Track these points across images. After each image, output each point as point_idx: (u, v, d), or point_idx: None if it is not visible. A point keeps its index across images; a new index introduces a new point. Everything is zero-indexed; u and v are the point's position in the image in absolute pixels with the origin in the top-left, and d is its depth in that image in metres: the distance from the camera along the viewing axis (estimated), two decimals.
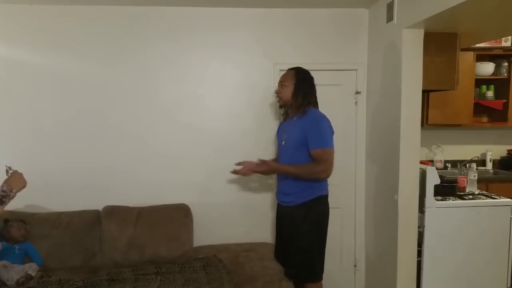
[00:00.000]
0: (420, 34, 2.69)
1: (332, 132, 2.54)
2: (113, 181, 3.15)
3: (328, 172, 2.48)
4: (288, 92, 2.60)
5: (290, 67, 3.17)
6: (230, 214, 3.27)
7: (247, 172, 2.71)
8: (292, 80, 2.61)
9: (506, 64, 4.04)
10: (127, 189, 3.15)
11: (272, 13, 3.17)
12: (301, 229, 2.52)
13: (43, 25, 3.02)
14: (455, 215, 2.90)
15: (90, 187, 3.13)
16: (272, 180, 3.26)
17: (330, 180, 3.27)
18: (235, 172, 2.76)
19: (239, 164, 2.75)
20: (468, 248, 2.91)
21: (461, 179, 3.24)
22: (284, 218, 2.66)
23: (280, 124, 2.88)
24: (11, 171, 2.13)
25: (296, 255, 2.56)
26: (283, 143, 2.68)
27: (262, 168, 2.64)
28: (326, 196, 2.60)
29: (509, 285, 3.00)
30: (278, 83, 2.72)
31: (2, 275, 2.43)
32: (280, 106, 2.80)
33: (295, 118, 2.59)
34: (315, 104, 2.63)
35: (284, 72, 2.73)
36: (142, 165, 3.17)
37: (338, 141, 3.28)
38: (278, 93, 2.70)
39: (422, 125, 2.88)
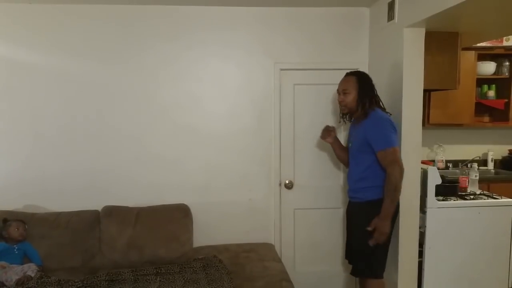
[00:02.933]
0: (421, 33, 2.68)
1: (395, 130, 2.49)
2: (113, 182, 3.13)
3: (401, 171, 2.44)
4: (351, 99, 2.57)
5: (292, 66, 3.19)
6: (230, 214, 3.25)
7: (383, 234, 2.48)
8: (354, 86, 2.56)
9: (507, 63, 4.03)
10: (126, 190, 3.14)
11: (272, 12, 3.16)
12: (366, 226, 2.47)
13: (42, 24, 3.01)
14: (457, 215, 2.88)
15: (89, 188, 3.11)
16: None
17: (333, 181, 3.29)
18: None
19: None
20: (470, 249, 2.90)
21: (463, 179, 3.23)
22: (353, 214, 2.67)
23: (350, 127, 2.84)
24: None
25: (363, 250, 2.54)
26: (350, 145, 2.72)
27: (383, 227, 2.44)
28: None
29: (510, 285, 2.99)
30: (339, 91, 2.65)
31: (1, 276, 2.42)
32: (344, 114, 2.73)
33: (354, 121, 2.66)
34: (379, 103, 2.62)
35: (341, 79, 2.67)
36: (141, 165, 3.16)
37: (339, 140, 3.29)
38: (341, 101, 2.63)
39: (423, 124, 2.87)
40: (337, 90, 2.69)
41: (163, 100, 3.15)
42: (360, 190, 2.60)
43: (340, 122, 2.88)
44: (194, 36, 3.13)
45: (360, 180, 2.59)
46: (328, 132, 2.92)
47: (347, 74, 2.68)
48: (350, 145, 2.72)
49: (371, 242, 2.46)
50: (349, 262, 2.85)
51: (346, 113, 2.70)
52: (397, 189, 2.42)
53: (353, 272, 2.70)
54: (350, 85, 2.59)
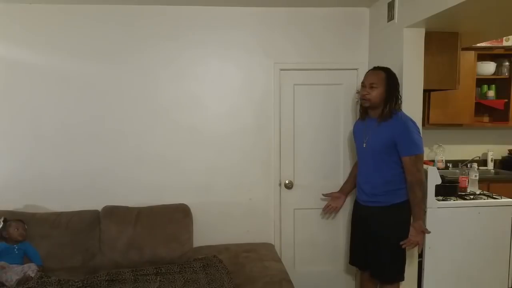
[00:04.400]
0: (421, 33, 2.68)
1: (420, 134, 2.49)
2: (113, 182, 3.13)
3: (424, 176, 2.49)
4: (378, 94, 2.50)
5: (292, 66, 3.19)
6: (230, 214, 3.25)
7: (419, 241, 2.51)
8: (383, 82, 2.50)
9: (507, 63, 4.04)
10: (126, 190, 3.14)
11: (272, 12, 3.16)
12: (392, 231, 2.48)
13: (42, 24, 3.00)
14: (456, 215, 2.88)
15: (89, 188, 3.11)
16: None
17: (333, 181, 3.29)
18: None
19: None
20: (469, 248, 2.90)
21: (462, 179, 3.22)
22: (371, 218, 2.62)
23: (356, 123, 2.81)
24: None
25: (388, 255, 2.53)
26: (364, 145, 2.63)
27: (421, 235, 2.50)
28: None
29: (510, 285, 2.99)
30: (365, 84, 2.57)
31: (1, 276, 2.42)
32: (364, 108, 2.65)
33: (379, 121, 2.53)
34: (400, 105, 2.59)
35: (369, 72, 2.64)
36: (141, 165, 3.16)
37: (340, 141, 3.30)
38: (365, 94, 2.54)
39: (423, 124, 2.88)
40: (362, 82, 2.61)
41: (163, 100, 3.15)
42: (383, 194, 2.54)
43: (359, 118, 2.85)
44: (194, 36, 3.12)
45: (385, 183, 2.53)
46: (336, 200, 3.00)
47: (376, 68, 2.60)
48: (364, 145, 2.63)
49: (406, 245, 2.46)
50: (360, 268, 2.85)
51: (367, 107, 2.62)
52: (423, 193, 2.48)
53: (383, 278, 2.64)
54: (378, 80, 2.51)
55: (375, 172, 2.58)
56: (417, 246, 2.52)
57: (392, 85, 2.52)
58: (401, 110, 2.59)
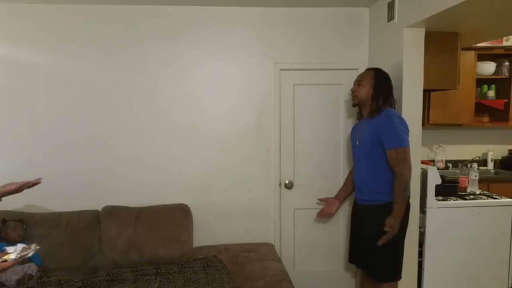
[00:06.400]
0: (421, 33, 2.68)
1: (407, 130, 2.47)
2: (113, 182, 3.13)
3: (410, 170, 2.45)
4: (364, 91, 2.57)
5: (292, 66, 3.20)
6: (230, 214, 3.25)
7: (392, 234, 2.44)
8: (370, 81, 2.56)
9: (507, 63, 4.04)
10: (126, 190, 3.14)
11: (272, 12, 3.16)
12: (384, 230, 2.45)
13: (42, 24, 3.00)
14: (456, 215, 2.88)
15: (89, 188, 3.11)
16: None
17: (333, 181, 3.29)
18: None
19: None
20: (469, 248, 2.90)
21: (462, 179, 3.23)
22: (365, 217, 2.63)
23: (355, 126, 2.84)
24: None
25: (380, 254, 2.51)
26: (357, 143, 2.67)
27: (396, 227, 2.41)
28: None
29: (510, 285, 2.99)
30: (355, 82, 2.66)
31: (1, 276, 2.42)
32: (354, 105, 2.74)
33: (367, 118, 2.59)
34: (392, 104, 2.60)
35: (362, 72, 2.70)
36: (141, 165, 3.16)
37: (340, 140, 3.30)
38: (353, 91, 2.64)
39: (423, 124, 2.88)
40: (354, 82, 2.69)
41: (163, 100, 3.15)
42: (375, 192, 2.54)
43: (357, 120, 2.86)
44: (194, 36, 3.12)
45: (376, 181, 2.53)
46: (331, 205, 2.96)
47: (367, 69, 2.70)
48: (357, 143, 2.67)
49: (380, 242, 2.41)
50: (357, 266, 2.84)
51: (355, 104, 2.69)
52: (407, 188, 2.42)
53: (376, 277, 2.62)
54: (366, 78, 2.58)
55: (366, 169, 2.60)
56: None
57: (379, 83, 2.55)
58: (390, 107, 2.57)
